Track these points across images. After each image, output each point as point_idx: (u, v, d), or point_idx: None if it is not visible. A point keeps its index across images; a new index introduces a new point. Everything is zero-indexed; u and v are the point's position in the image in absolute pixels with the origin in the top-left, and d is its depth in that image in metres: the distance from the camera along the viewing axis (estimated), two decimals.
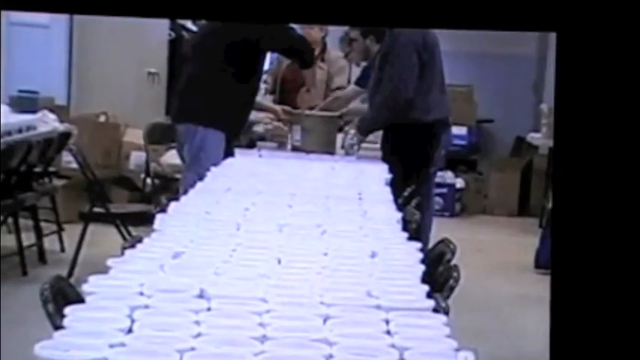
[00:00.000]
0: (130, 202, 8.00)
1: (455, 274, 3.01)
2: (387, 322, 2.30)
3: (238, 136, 5.62)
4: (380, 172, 4.91)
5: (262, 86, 6.50)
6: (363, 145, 5.82)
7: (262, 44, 5.43)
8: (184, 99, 5.63)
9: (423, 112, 5.63)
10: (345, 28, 6.03)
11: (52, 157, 7.06)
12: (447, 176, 9.58)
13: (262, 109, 6.12)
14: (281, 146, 5.93)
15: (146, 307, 2.33)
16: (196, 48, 5.73)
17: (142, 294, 2.41)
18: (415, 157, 5.62)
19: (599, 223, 2.26)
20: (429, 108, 5.65)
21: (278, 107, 6.14)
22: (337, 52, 6.82)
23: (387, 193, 4.26)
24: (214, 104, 5.41)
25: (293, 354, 2.07)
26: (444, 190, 9.49)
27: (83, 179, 6.70)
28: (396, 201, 4.14)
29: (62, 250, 6.94)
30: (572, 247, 2.26)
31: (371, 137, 6.00)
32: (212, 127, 5.40)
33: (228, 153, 5.36)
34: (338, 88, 6.73)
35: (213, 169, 4.63)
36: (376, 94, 5.70)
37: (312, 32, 6.50)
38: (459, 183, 9.79)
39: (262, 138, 6.11)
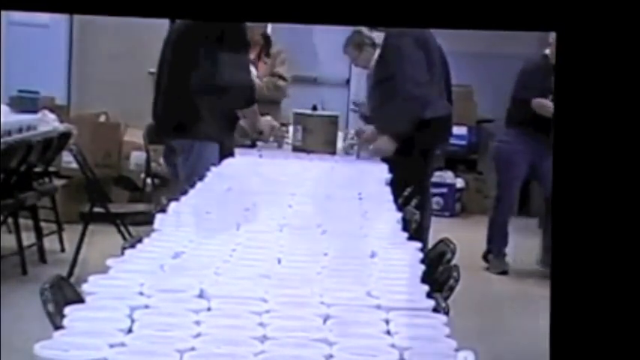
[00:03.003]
0: (130, 202, 7.99)
1: (455, 274, 3.01)
2: (387, 322, 2.30)
3: (231, 138, 5.48)
4: (380, 172, 4.91)
5: None
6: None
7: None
8: (170, 115, 5.36)
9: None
10: (349, 31, 5.98)
11: (52, 157, 7.06)
12: (447, 176, 9.57)
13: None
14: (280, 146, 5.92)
15: (146, 307, 2.33)
16: (169, 59, 5.37)
17: (142, 294, 2.41)
18: (412, 156, 5.62)
19: (599, 223, 2.26)
20: (427, 105, 5.63)
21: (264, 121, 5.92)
22: (278, 46, 6.59)
23: (387, 193, 4.26)
24: (202, 116, 5.21)
25: (293, 354, 2.07)
26: (444, 190, 9.48)
27: (83, 179, 6.70)
28: (396, 201, 4.14)
29: (62, 250, 6.94)
30: (572, 247, 2.26)
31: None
32: (207, 139, 5.19)
33: (228, 153, 5.31)
34: (280, 77, 6.57)
35: (213, 169, 4.63)
36: (381, 97, 5.67)
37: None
38: (459, 183, 9.78)
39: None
